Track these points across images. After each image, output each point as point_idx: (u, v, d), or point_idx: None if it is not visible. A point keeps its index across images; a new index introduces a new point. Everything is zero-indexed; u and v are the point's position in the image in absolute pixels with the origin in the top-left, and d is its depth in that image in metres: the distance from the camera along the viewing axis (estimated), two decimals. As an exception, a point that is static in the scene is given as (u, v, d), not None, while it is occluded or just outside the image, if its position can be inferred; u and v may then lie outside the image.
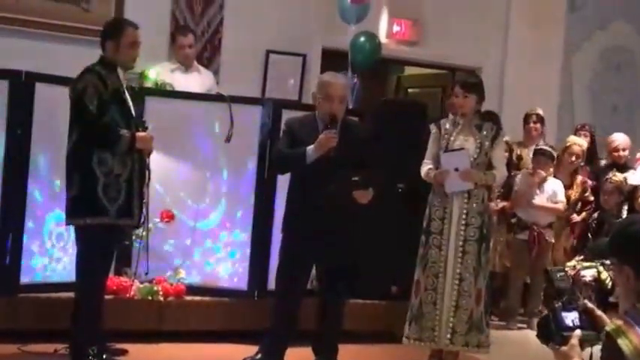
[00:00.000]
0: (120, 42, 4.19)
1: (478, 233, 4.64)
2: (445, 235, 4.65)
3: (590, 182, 6.53)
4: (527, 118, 6.63)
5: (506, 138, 6.22)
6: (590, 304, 2.32)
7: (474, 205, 4.66)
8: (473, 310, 4.62)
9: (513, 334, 5.99)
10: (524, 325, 6.16)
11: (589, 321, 2.26)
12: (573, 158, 6.34)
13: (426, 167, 4.76)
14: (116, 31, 4.23)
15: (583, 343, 2.22)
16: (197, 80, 5.87)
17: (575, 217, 6.39)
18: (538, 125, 6.57)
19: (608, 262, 5.95)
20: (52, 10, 6.22)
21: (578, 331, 2.21)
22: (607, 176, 6.32)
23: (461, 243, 4.63)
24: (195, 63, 6.03)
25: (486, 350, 4.68)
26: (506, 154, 6.25)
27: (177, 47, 5.97)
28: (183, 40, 5.93)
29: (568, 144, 6.42)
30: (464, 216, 4.64)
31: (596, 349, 2.22)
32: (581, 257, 6.20)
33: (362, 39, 6.53)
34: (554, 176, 6.26)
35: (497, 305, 6.34)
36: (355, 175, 4.17)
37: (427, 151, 4.80)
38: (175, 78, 5.71)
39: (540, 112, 6.64)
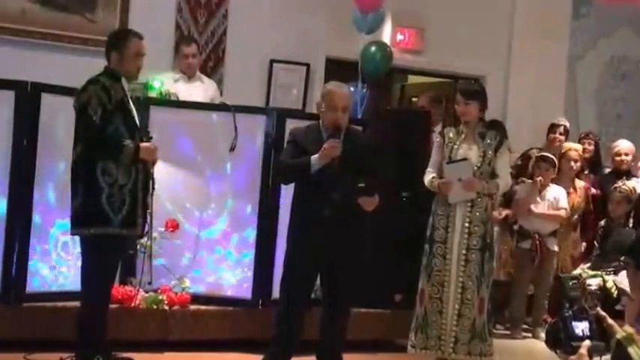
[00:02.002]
0: (124, 52, 4.22)
1: (481, 242, 4.65)
2: (449, 244, 4.66)
3: (594, 190, 6.52)
4: (553, 128, 6.61)
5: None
6: (602, 312, 2.33)
7: (477, 213, 4.66)
8: (475, 319, 4.62)
9: (518, 344, 5.98)
10: (529, 335, 6.15)
11: (599, 331, 2.27)
12: (572, 164, 6.34)
13: (429, 176, 4.77)
14: (120, 42, 4.25)
15: (592, 353, 2.22)
16: (200, 90, 5.90)
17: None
18: (563, 137, 6.57)
19: (611, 269, 5.99)
20: (58, 20, 6.27)
21: (587, 342, 2.22)
22: (615, 185, 6.31)
23: (464, 251, 4.64)
24: (199, 73, 6.06)
25: (489, 359, 4.67)
26: (520, 162, 6.27)
27: (180, 57, 6.01)
28: (187, 49, 5.97)
29: (564, 150, 6.41)
30: (467, 224, 4.65)
31: (605, 359, 2.23)
32: (587, 265, 6.19)
33: (373, 49, 6.55)
34: (557, 183, 6.25)
35: (502, 314, 6.33)
36: (360, 182, 4.17)
37: (430, 159, 4.82)
38: (178, 88, 5.74)
39: (567, 124, 6.65)
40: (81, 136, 4.14)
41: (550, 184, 6.16)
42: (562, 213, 6.10)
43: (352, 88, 6.27)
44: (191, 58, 5.95)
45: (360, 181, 4.16)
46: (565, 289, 2.38)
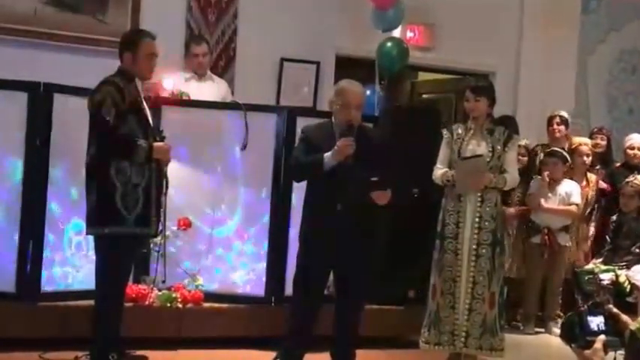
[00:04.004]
0: (137, 53, 4.24)
1: (492, 237, 4.65)
2: (460, 240, 4.67)
3: (605, 185, 6.52)
4: (550, 120, 6.60)
5: (525, 141, 6.23)
6: (615, 310, 2.33)
7: (487, 209, 4.67)
8: (486, 314, 4.63)
9: (531, 339, 5.98)
10: (542, 330, 6.15)
11: (614, 326, 2.28)
12: (584, 158, 6.34)
13: (440, 171, 4.78)
14: (133, 43, 4.27)
15: (607, 347, 2.23)
16: (211, 89, 5.92)
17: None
18: (562, 127, 6.53)
19: (624, 263, 6.00)
20: (69, 22, 6.31)
21: (602, 336, 2.23)
22: (627, 179, 6.31)
23: (474, 247, 4.65)
24: (209, 72, 6.08)
25: (500, 354, 4.68)
26: (525, 158, 6.26)
27: (191, 56, 6.03)
28: (197, 49, 5.98)
29: (574, 146, 6.41)
30: (477, 220, 4.65)
31: (620, 353, 2.24)
32: (600, 260, 6.19)
33: (389, 44, 6.55)
34: (570, 178, 6.25)
35: (516, 310, 6.35)
36: (373, 177, 4.18)
37: (439, 155, 4.82)
38: (190, 87, 5.76)
39: (564, 114, 6.62)
40: (95, 137, 4.17)
41: (564, 179, 6.16)
42: (572, 208, 6.09)
43: (368, 92, 6.30)
44: (201, 58, 5.96)
45: (372, 175, 4.17)
46: (580, 284, 2.39)
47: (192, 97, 5.51)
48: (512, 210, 6.11)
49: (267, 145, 5.13)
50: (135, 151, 4.12)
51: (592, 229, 6.46)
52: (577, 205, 6.10)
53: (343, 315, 4.42)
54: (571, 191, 6.11)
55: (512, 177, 4.78)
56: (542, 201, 6.09)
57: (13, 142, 4.69)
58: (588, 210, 6.42)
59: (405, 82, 8.46)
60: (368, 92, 6.40)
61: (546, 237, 6.07)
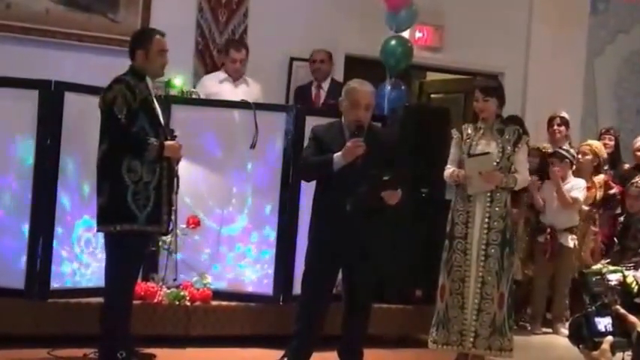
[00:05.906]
0: (149, 50, 4.26)
1: (501, 237, 4.65)
2: (469, 240, 4.67)
3: (614, 185, 6.52)
4: (550, 121, 6.62)
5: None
6: (622, 310, 2.33)
7: (497, 209, 4.67)
8: (495, 314, 4.63)
9: (538, 339, 5.98)
10: (550, 330, 6.15)
11: (621, 327, 2.28)
12: (583, 157, 6.34)
13: (448, 171, 4.79)
14: (145, 40, 4.30)
15: (614, 349, 2.23)
16: (244, 91, 5.96)
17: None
18: (562, 128, 6.55)
19: (632, 264, 6.00)
20: (81, 21, 6.35)
21: (609, 337, 2.22)
22: (632, 180, 6.31)
23: (483, 247, 4.65)
24: (245, 76, 6.13)
25: (509, 354, 4.68)
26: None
27: (229, 60, 6.08)
28: (236, 54, 6.05)
29: (580, 147, 6.44)
30: (486, 220, 4.66)
31: (627, 354, 2.24)
32: (607, 261, 6.18)
33: (393, 42, 6.56)
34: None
35: (524, 311, 6.35)
36: (384, 176, 4.18)
37: (450, 156, 4.83)
38: (223, 88, 5.87)
39: (564, 114, 6.63)
40: (106, 135, 4.19)
41: (572, 178, 6.15)
42: (567, 197, 6.04)
43: (388, 87, 6.27)
44: (239, 64, 6.04)
45: (384, 174, 4.16)
46: (588, 285, 2.38)
47: (226, 98, 5.59)
48: (515, 210, 6.09)
49: (277, 144, 5.15)
50: (146, 149, 4.14)
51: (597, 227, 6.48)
52: (574, 198, 6.06)
53: (351, 314, 4.43)
54: (572, 186, 6.10)
55: (522, 177, 4.78)
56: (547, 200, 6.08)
57: (24, 139, 4.71)
58: (594, 210, 6.41)
59: (411, 81, 8.46)
60: (389, 88, 6.40)
61: (548, 236, 6.08)
